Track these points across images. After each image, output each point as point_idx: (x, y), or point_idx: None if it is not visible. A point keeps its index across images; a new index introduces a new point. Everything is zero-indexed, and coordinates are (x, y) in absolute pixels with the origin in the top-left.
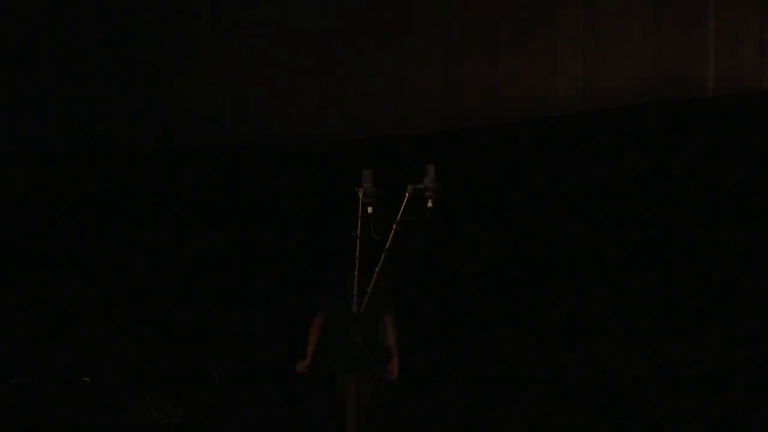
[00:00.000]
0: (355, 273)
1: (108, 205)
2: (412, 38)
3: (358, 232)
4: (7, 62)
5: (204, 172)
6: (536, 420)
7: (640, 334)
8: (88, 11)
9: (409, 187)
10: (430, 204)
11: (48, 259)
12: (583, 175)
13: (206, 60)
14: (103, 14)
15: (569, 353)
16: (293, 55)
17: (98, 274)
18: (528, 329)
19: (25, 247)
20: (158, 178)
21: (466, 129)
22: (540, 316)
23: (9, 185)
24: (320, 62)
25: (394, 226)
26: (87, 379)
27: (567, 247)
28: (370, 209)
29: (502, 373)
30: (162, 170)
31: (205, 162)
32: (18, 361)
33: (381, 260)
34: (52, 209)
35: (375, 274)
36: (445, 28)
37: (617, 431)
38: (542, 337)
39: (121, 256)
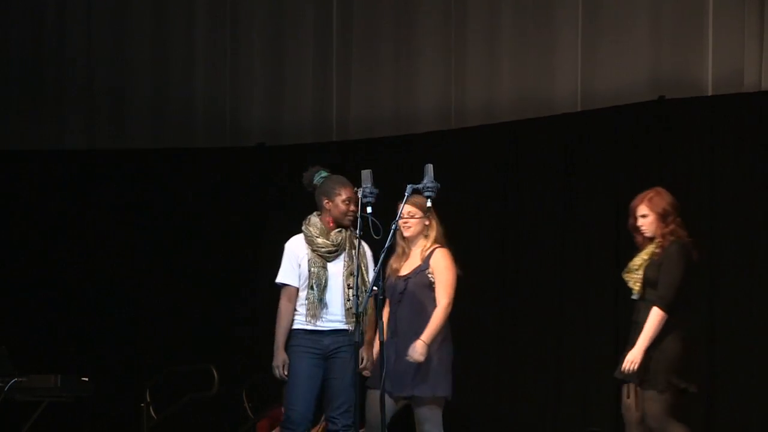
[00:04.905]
0: (355, 273)
1: (108, 205)
2: (412, 37)
3: (358, 231)
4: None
5: (202, 171)
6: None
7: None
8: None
9: (409, 187)
10: (429, 204)
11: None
12: (582, 175)
13: (205, 59)
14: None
15: (568, 349)
16: (293, 55)
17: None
18: (528, 328)
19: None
20: (157, 178)
21: (466, 129)
22: (539, 316)
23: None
24: (319, 62)
25: (394, 226)
26: (86, 379)
27: (566, 246)
28: (369, 209)
29: (505, 374)
30: (161, 170)
31: (203, 161)
32: (17, 361)
33: (380, 259)
34: (52, 208)
35: (374, 273)
36: (445, 27)
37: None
38: (541, 336)
39: (121, 255)
